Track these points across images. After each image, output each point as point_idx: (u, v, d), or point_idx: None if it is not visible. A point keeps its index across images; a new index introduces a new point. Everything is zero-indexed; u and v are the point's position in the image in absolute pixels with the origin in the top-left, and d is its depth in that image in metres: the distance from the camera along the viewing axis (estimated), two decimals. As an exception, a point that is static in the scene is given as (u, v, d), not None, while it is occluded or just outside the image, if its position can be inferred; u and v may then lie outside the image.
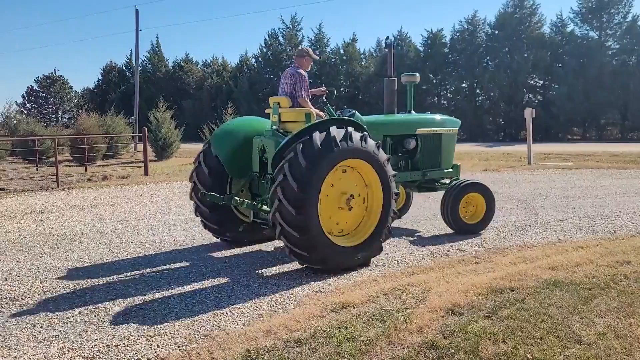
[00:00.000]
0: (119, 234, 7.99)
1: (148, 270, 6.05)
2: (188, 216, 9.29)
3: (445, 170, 8.07)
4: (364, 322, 4.28)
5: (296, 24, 49.11)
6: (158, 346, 3.99)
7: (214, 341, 4.04)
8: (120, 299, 5.05)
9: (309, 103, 6.48)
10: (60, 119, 61.33)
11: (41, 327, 4.41)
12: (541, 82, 44.23)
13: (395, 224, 7.98)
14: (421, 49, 45.88)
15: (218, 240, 7.24)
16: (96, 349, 3.96)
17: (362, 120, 7.01)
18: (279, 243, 6.33)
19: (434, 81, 44.87)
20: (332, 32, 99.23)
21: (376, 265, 6.11)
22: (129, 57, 57.90)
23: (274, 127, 6.59)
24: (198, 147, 11.63)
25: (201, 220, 6.96)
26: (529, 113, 18.62)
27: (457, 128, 8.34)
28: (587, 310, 4.40)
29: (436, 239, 7.37)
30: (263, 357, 3.71)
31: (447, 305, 4.57)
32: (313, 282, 5.49)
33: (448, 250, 6.73)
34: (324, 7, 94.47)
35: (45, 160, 22.40)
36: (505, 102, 42.36)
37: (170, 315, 4.62)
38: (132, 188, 13.88)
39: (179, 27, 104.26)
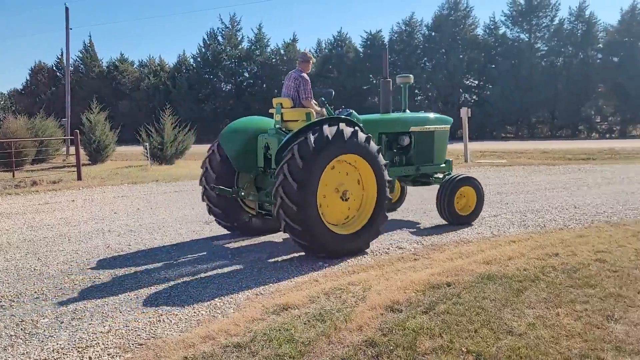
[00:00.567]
0: (49, 242, 7.61)
1: (81, 278, 5.78)
2: (123, 221, 8.99)
3: (438, 165, 8.66)
4: (305, 323, 4.26)
5: (236, 24, 48.71)
6: (90, 358, 3.82)
7: (150, 350, 3.91)
8: (49, 310, 4.81)
9: (313, 104, 7.00)
10: (-16, 122, 57.91)
11: (-39, 344, 4.13)
12: (476, 82, 45.90)
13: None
14: (361, 49, 46.51)
15: (155, 246, 7.05)
16: (22, 365, 3.75)
17: (359, 119, 7.48)
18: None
19: (374, 82, 45.60)
20: (272, 32, 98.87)
21: (317, 264, 6.12)
22: (60, 56, 55.50)
23: (277, 125, 7.09)
24: (135, 149, 11.28)
25: (207, 205, 7.42)
26: (464, 112, 19.24)
27: (449, 125, 8.90)
28: (519, 302, 4.56)
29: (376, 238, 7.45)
30: (201, 364, 3.62)
31: (386, 303, 4.62)
32: (253, 285, 5.43)
33: (388, 248, 6.82)
34: (263, 7, 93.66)
35: (-31, 166, 21.07)
36: (442, 101, 43.65)
37: (103, 324, 4.44)
38: (63, 193, 13.27)
39: (113, 26, 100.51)
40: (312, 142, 5.94)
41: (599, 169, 15.98)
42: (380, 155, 6.59)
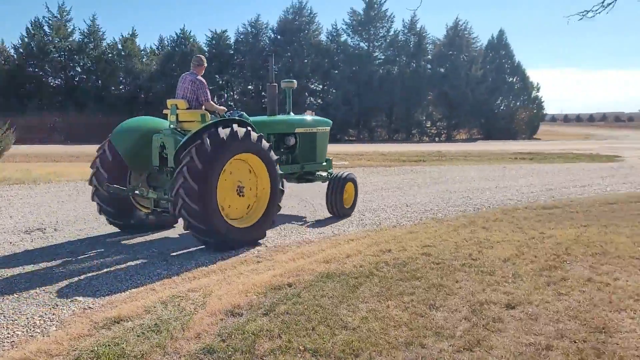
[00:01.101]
0: None
1: None
2: None
3: (320, 164, 9.40)
4: (138, 336, 4.00)
5: (65, 14, 44.16)
6: None
7: (-52, 382, 3.38)
8: None
9: (214, 105, 7.31)
10: None
11: None
12: (320, 86, 47.67)
13: (180, 229, 7.75)
14: (206, 48, 45.65)
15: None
16: None
17: (249, 120, 7.78)
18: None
19: (220, 82, 45.09)
20: (108, 25, 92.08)
21: (154, 272, 5.81)
22: None
23: (172, 126, 7.26)
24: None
25: (97, 205, 7.39)
26: (309, 115, 19.79)
27: (329, 127, 9.71)
28: (354, 298, 4.78)
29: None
30: (13, 392, 3.22)
31: (226, 308, 4.54)
32: (81, 298, 4.97)
33: (229, 252, 6.72)
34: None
35: None
36: (288, 104, 44.53)
37: None
38: None
39: None
40: (209, 144, 6.31)
41: (428, 170, 17.52)
42: (272, 151, 7.17)
